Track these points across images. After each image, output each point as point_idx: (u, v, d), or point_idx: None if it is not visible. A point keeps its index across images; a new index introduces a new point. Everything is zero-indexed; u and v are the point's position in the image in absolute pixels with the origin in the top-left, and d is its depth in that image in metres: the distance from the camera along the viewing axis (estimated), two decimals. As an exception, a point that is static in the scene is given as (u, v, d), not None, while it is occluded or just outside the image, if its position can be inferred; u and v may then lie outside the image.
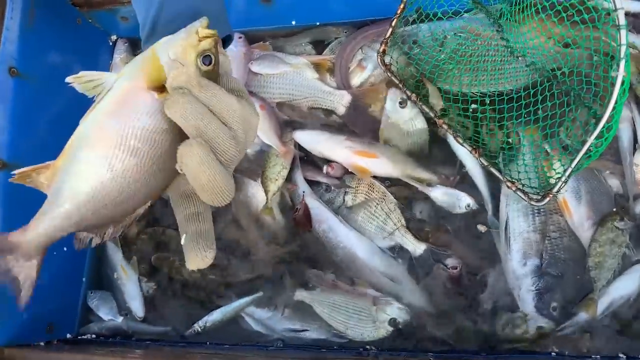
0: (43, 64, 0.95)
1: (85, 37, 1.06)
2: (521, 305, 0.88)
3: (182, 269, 1.00)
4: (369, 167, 0.94)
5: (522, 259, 0.88)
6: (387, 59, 0.93)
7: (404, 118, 0.98)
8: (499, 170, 0.85)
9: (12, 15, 0.88)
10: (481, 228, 0.92)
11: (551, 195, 0.77)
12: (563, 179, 0.74)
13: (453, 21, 0.97)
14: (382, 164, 0.94)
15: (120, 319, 1.01)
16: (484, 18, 0.93)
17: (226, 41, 0.53)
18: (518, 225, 0.89)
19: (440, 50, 0.97)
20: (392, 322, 0.87)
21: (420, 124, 0.98)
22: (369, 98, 1.01)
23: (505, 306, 0.89)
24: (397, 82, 0.93)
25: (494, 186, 0.94)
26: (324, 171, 0.98)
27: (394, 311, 0.87)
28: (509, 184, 0.82)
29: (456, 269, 0.89)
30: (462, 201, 0.92)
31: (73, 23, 1.03)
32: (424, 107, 0.91)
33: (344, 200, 0.96)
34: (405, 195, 0.96)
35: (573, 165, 0.72)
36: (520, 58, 0.91)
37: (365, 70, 1.01)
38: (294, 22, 1.04)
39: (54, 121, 0.97)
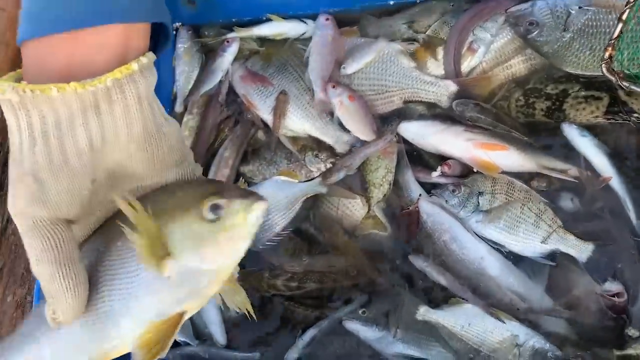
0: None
1: (147, 24, 0.93)
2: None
3: (275, 281, 0.86)
4: (497, 162, 0.80)
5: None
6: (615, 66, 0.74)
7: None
8: None
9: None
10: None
11: None
12: None
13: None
14: (513, 157, 0.80)
15: (195, 343, 0.87)
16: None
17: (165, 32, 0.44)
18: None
19: (564, 29, 0.84)
20: None
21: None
22: (479, 88, 0.87)
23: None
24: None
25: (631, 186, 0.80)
26: (439, 172, 0.84)
27: (541, 352, 0.73)
28: None
29: (622, 296, 0.75)
30: None
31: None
32: None
33: (478, 202, 0.81)
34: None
35: None
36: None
37: (476, 54, 0.87)
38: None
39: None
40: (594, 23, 0.83)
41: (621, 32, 0.72)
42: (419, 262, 0.80)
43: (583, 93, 0.83)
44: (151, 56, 0.38)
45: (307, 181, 0.87)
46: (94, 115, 0.36)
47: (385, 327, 0.79)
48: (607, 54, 0.74)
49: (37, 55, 0.36)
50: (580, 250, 0.79)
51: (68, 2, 0.35)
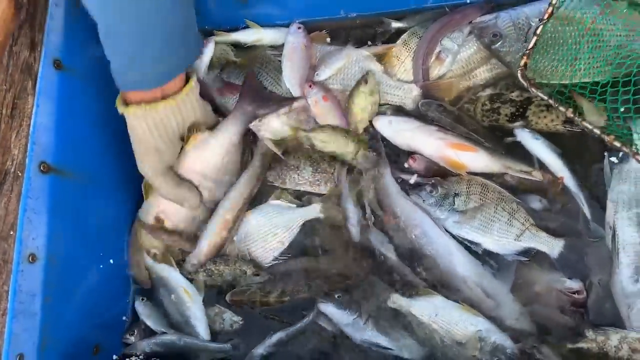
0: (86, 56, 0.85)
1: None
2: (629, 327, 0.78)
3: (268, 298, 0.88)
4: (466, 162, 0.84)
5: (634, 275, 0.78)
6: (529, 74, 0.81)
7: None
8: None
9: (57, 2, 0.79)
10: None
11: None
12: None
13: (532, 5, 0.88)
14: (481, 158, 0.84)
15: (172, 332, 0.89)
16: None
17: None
18: (629, 235, 0.79)
19: (525, 40, 0.88)
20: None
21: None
22: (442, 92, 0.92)
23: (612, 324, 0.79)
24: (547, 99, 0.80)
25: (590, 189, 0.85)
26: (406, 165, 0.88)
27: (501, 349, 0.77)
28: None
29: (582, 293, 0.79)
30: None
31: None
32: (585, 124, 0.77)
33: (454, 203, 0.85)
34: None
35: None
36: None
37: (444, 63, 0.91)
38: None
39: (96, 120, 0.87)
40: (554, 35, 0.86)
41: (535, 44, 0.79)
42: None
43: (545, 102, 0.87)
44: (195, 76, 0.79)
45: (303, 206, 0.90)
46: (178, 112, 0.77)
47: (357, 312, 0.82)
48: (522, 62, 0.80)
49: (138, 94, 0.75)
50: (552, 246, 0.82)
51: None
